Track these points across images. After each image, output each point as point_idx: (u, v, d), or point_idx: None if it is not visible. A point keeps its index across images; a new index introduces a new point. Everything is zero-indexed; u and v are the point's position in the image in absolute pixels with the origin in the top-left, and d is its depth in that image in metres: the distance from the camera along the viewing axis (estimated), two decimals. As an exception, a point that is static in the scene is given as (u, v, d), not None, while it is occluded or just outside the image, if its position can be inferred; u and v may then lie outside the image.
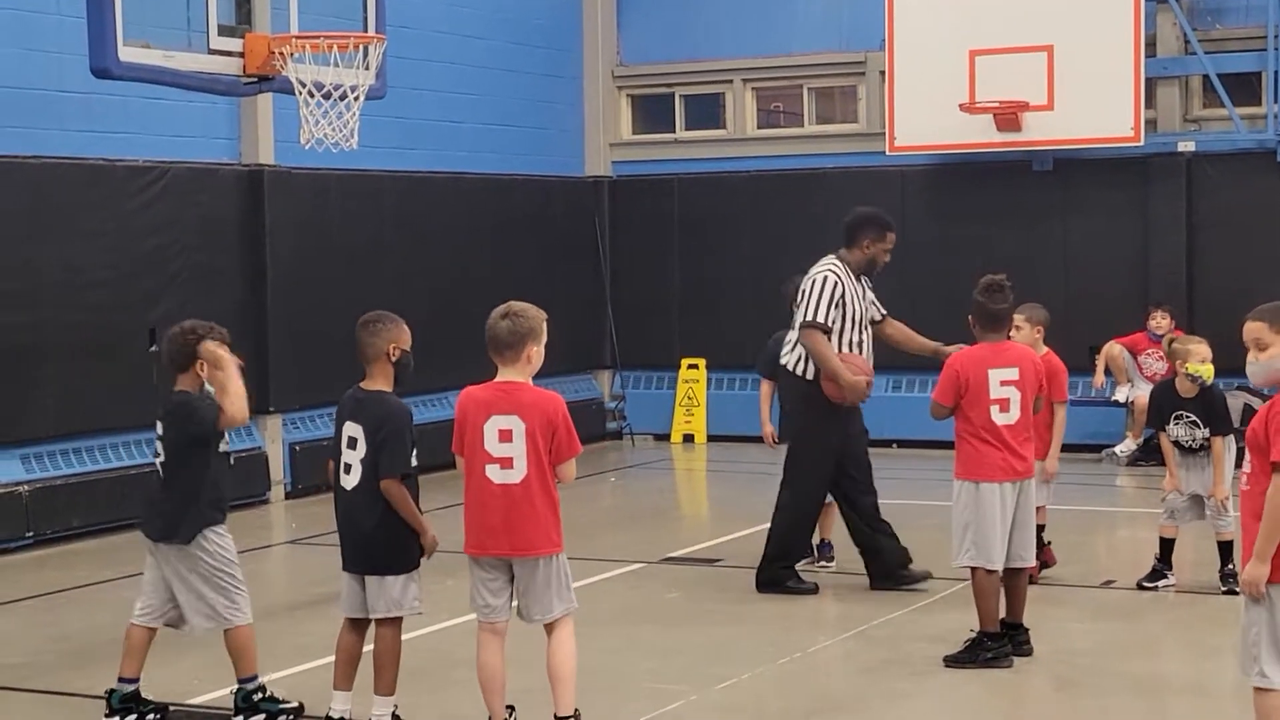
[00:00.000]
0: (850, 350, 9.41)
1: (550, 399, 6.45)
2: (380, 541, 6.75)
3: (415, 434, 6.84)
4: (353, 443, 6.77)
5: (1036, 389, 8.02)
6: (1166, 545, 9.40)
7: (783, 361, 9.72)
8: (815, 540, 10.33)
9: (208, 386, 6.96)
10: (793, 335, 9.61)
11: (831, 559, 10.26)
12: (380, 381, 6.84)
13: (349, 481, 6.80)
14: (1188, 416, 9.21)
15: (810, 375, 9.47)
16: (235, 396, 6.92)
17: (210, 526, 7.01)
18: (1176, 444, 9.27)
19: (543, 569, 6.45)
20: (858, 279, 9.54)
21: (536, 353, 6.46)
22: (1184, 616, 9.08)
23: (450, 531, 11.75)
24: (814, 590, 9.59)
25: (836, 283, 9.39)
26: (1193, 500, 9.31)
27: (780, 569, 9.63)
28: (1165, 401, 9.33)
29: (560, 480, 6.47)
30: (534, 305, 6.54)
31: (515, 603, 6.58)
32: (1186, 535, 9.59)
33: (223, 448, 7.10)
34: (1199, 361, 9.10)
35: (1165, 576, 9.41)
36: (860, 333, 9.48)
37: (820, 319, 9.33)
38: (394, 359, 6.81)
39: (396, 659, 6.83)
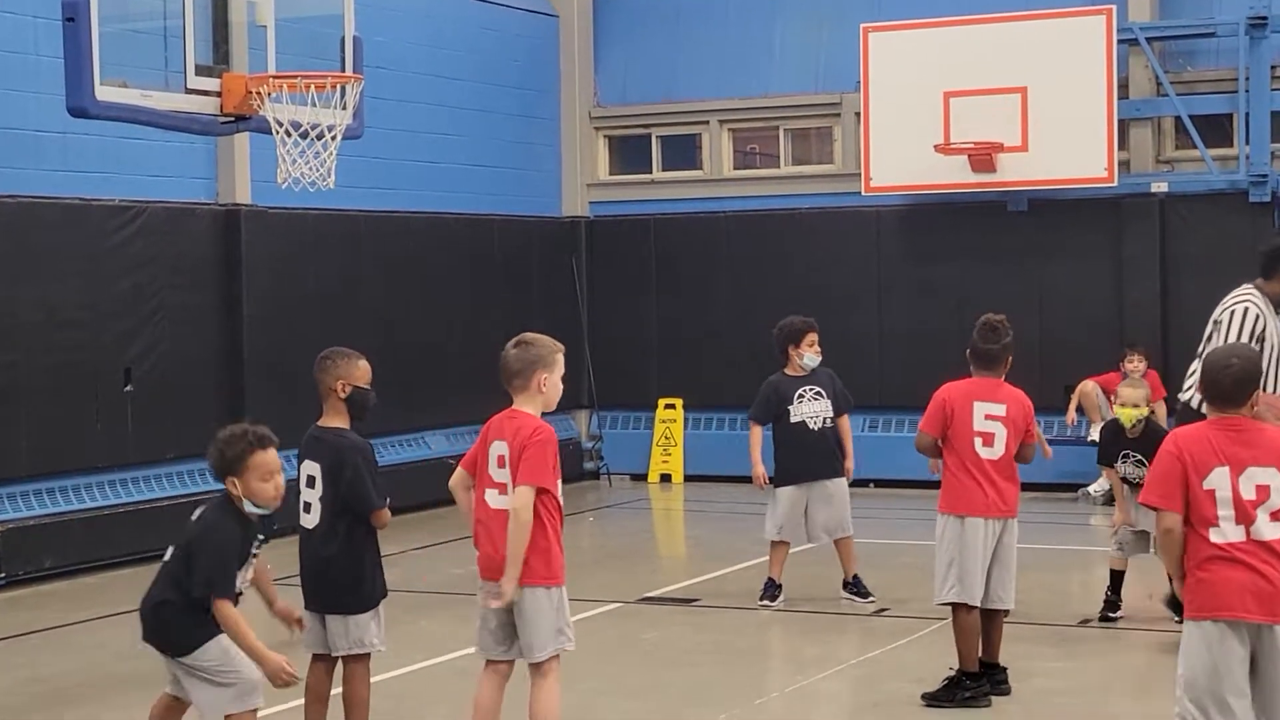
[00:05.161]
0: (1267, 390, 8.56)
1: (532, 425, 6.35)
2: (341, 579, 6.70)
3: (376, 464, 6.78)
4: (311, 481, 6.73)
5: (1024, 430, 8.00)
6: (1117, 577, 9.61)
7: (1183, 398, 9.19)
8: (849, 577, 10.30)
9: (248, 506, 6.16)
10: (1195, 368, 8.86)
11: (868, 594, 10.21)
12: (336, 419, 6.79)
13: (309, 520, 6.75)
14: (1133, 455, 9.39)
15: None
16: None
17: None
18: (1125, 480, 9.47)
19: (531, 600, 6.35)
20: (1277, 311, 8.89)
21: (548, 381, 6.40)
22: (1161, 654, 9.08)
23: (425, 572, 11.74)
24: None
25: (1258, 315, 8.80)
26: (1139, 535, 9.48)
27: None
28: (1112, 440, 9.54)
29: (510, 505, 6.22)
30: (549, 337, 6.52)
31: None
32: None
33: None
34: (1120, 405, 9.37)
35: (1118, 607, 9.60)
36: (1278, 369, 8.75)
37: None
38: (344, 395, 6.75)
39: (366, 698, 6.79)
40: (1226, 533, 5.52)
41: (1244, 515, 5.51)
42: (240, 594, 6.20)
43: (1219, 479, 5.52)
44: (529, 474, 6.26)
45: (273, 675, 6.06)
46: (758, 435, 10.34)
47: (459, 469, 6.59)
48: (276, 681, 6.08)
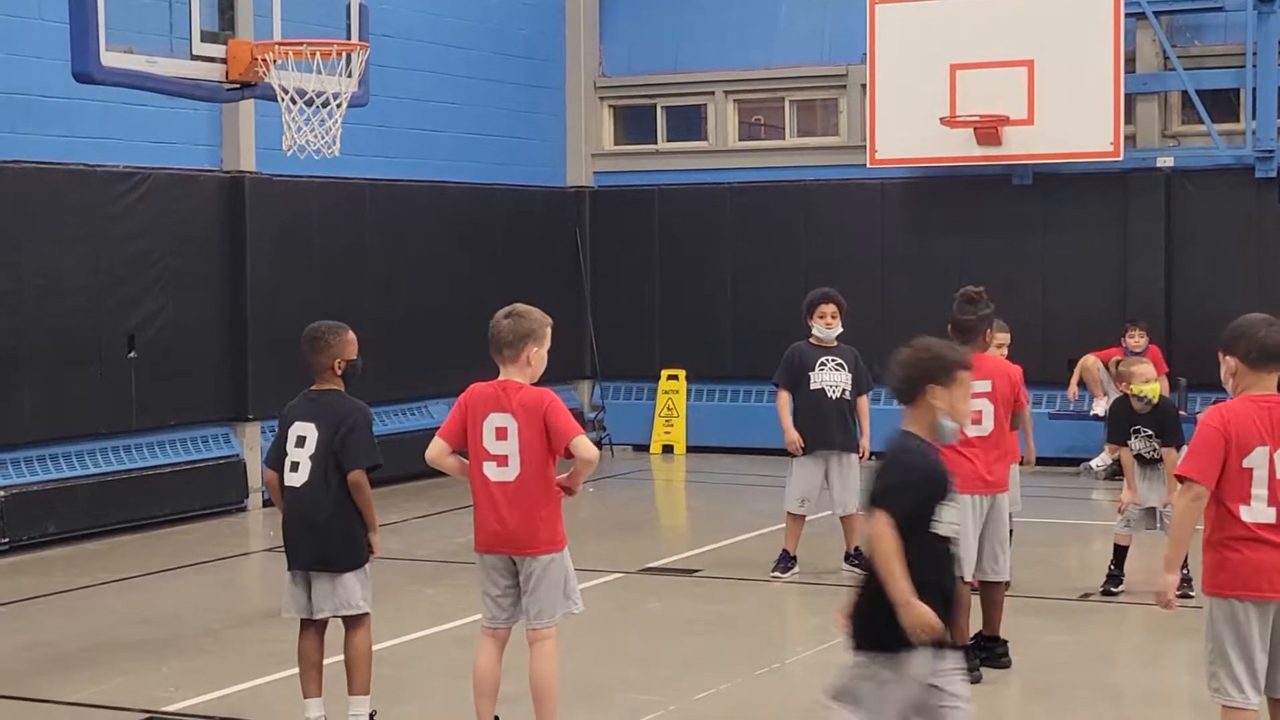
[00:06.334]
0: None
1: (539, 394, 6.43)
2: (333, 537, 6.71)
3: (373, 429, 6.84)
4: (301, 441, 6.75)
5: (1011, 404, 8.01)
6: (1120, 551, 9.68)
7: None
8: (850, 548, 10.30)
9: (943, 427, 5.33)
10: None
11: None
12: (331, 384, 6.87)
13: (297, 479, 6.75)
14: (1145, 430, 9.49)
15: None
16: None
17: None
18: (1138, 456, 9.54)
19: (540, 569, 6.41)
20: None
21: (536, 354, 6.45)
22: (1162, 627, 9.11)
23: (429, 541, 11.77)
24: None
25: None
26: (1146, 511, 9.58)
27: None
28: (1123, 417, 9.60)
29: (581, 459, 6.29)
30: (539, 309, 6.53)
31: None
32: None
33: None
34: (1142, 383, 9.42)
35: (1121, 581, 9.64)
36: None
37: None
38: (340, 371, 6.85)
39: (369, 657, 6.83)
40: (1257, 512, 5.51)
41: (1276, 496, 5.49)
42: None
43: (1259, 458, 5.51)
44: (570, 427, 6.35)
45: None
46: (786, 400, 10.34)
47: (438, 440, 6.54)
48: None
